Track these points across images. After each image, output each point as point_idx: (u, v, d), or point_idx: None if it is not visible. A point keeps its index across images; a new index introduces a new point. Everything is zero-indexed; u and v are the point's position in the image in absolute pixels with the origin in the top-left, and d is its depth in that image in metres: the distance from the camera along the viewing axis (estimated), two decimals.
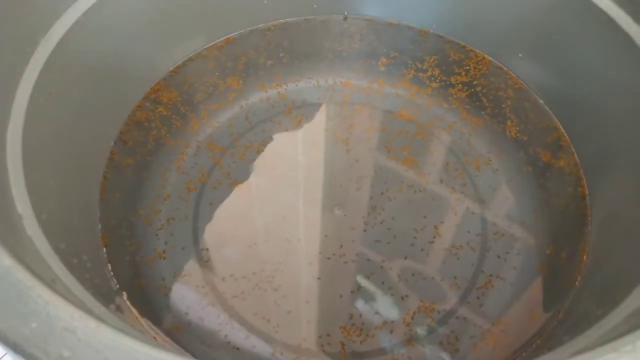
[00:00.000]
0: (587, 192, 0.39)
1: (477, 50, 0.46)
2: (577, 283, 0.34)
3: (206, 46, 0.45)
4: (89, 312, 0.18)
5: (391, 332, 0.34)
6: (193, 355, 0.32)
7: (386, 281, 0.36)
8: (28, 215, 0.25)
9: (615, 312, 0.24)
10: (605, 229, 0.34)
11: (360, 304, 0.35)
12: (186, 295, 0.35)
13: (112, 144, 0.39)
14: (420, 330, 0.34)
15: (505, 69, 0.45)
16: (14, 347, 0.17)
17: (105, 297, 0.30)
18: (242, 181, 0.40)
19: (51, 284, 0.19)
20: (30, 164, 0.28)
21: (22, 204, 0.25)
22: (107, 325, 0.17)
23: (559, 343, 0.26)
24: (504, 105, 0.44)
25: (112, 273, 0.34)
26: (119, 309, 0.31)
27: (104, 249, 0.34)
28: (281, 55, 0.46)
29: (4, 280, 0.18)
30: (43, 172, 0.29)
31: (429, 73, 0.45)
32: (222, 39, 0.46)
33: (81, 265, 0.28)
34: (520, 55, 0.44)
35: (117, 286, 0.33)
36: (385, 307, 0.35)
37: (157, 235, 0.37)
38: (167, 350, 0.17)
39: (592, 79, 0.38)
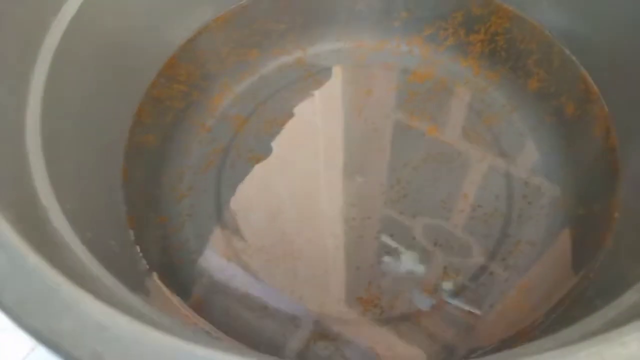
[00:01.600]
0: (617, 144, 0.37)
1: (498, 1, 0.44)
2: (607, 242, 0.34)
3: (217, 16, 0.44)
4: (120, 304, 0.19)
5: (418, 288, 0.34)
6: (222, 326, 0.33)
7: (411, 240, 0.36)
8: (53, 206, 0.25)
9: None
10: (638, 186, 0.33)
11: (385, 263, 0.35)
12: (214, 267, 0.36)
13: (130, 123, 0.39)
14: (447, 286, 0.34)
15: (529, 19, 0.43)
16: (50, 344, 0.17)
17: (135, 280, 0.31)
18: (263, 152, 0.40)
19: (80, 279, 0.19)
20: (51, 152, 0.28)
21: (46, 195, 0.26)
22: (139, 321, 0.17)
23: (589, 307, 0.25)
24: (527, 58, 0.42)
25: (141, 254, 0.34)
26: (149, 290, 0.31)
27: (131, 231, 0.35)
28: (295, 19, 0.45)
29: (34, 279, 0.18)
30: (64, 160, 0.29)
31: (450, 30, 0.44)
32: (232, 6, 0.45)
33: (109, 251, 0.29)
34: (545, 3, 0.42)
35: (147, 267, 0.34)
36: (411, 265, 0.35)
37: (182, 210, 0.38)
38: (196, 343, 0.17)
39: (621, 25, 0.36)
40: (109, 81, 0.36)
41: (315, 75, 0.43)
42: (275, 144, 0.41)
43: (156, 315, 0.22)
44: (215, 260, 0.36)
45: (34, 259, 0.18)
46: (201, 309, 0.34)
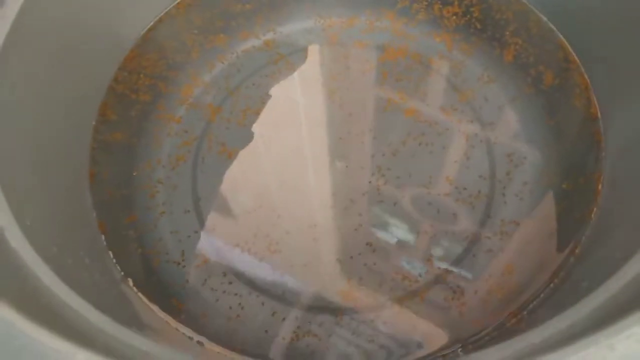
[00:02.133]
0: (599, 115, 0.37)
1: None
2: (592, 215, 0.33)
3: (177, 1, 0.42)
4: (88, 329, 0.17)
5: (409, 257, 0.34)
6: (203, 329, 0.32)
7: (400, 211, 0.36)
8: (9, 224, 0.24)
9: (637, 257, 0.23)
10: (623, 158, 0.33)
11: (376, 237, 0.35)
12: (192, 264, 0.35)
13: (93, 122, 0.37)
14: (437, 252, 0.35)
15: None
16: None
17: (109, 290, 0.29)
18: (238, 141, 0.39)
19: (43, 309, 0.18)
20: (3, 165, 0.26)
21: (0, 213, 0.24)
22: (98, 355, 0.16)
23: (577, 290, 0.25)
24: (504, 29, 0.41)
25: (114, 260, 0.33)
26: (123, 300, 0.30)
27: (102, 237, 0.33)
28: (260, 1, 0.43)
29: None
30: (20, 172, 0.27)
31: (423, 3, 0.42)
32: None
33: (78, 264, 0.27)
34: None
35: (122, 273, 0.33)
36: (401, 236, 0.35)
37: (156, 208, 0.36)
38: None
39: None
40: (65, 81, 0.34)
41: (286, 58, 0.42)
42: (250, 131, 0.39)
43: (130, 337, 0.21)
44: (193, 257, 0.35)
45: None
46: (180, 311, 0.33)
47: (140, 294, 0.32)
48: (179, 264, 0.35)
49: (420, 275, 0.34)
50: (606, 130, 0.35)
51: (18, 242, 0.23)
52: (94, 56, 0.37)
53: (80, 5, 0.35)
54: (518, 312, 0.31)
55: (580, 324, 0.20)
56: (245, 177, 0.38)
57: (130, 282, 0.32)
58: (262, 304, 0.33)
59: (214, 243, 0.35)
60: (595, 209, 0.33)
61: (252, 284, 0.34)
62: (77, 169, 0.34)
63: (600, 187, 0.34)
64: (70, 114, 0.34)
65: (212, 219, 0.36)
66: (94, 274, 0.28)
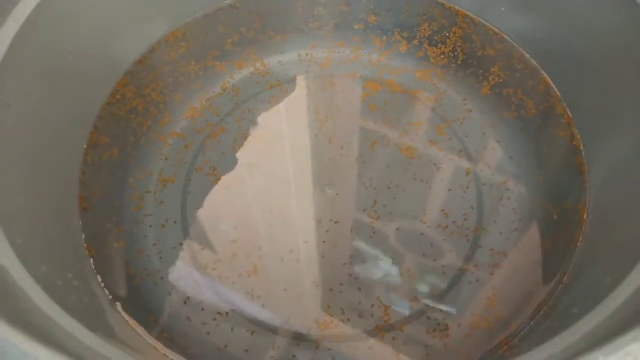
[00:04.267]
0: (582, 147, 0.38)
1: (456, 7, 0.44)
2: (578, 244, 0.34)
3: (173, 29, 0.43)
4: (80, 347, 0.17)
5: (394, 293, 0.34)
6: (190, 352, 0.32)
7: (384, 246, 0.36)
8: (1, 244, 0.23)
9: (627, 282, 0.23)
10: (606, 189, 0.34)
11: (359, 269, 0.35)
12: (179, 287, 0.34)
13: (84, 146, 0.37)
14: (423, 289, 0.34)
15: (490, 26, 0.43)
16: None
17: (97, 315, 0.29)
18: (228, 165, 0.39)
19: (31, 325, 0.18)
20: None
21: None
22: None
23: (569, 317, 0.25)
24: (490, 63, 0.42)
25: (102, 284, 0.32)
26: (112, 326, 0.29)
27: (91, 260, 0.33)
28: (253, 31, 0.44)
29: None
30: (11, 192, 0.27)
31: (413, 39, 0.43)
32: (188, 20, 0.43)
33: (67, 286, 0.27)
34: (503, 9, 0.42)
35: (110, 297, 0.32)
36: (386, 270, 0.35)
37: (145, 231, 0.36)
38: None
39: (581, 30, 0.37)
40: (58, 106, 0.34)
41: (277, 86, 0.42)
42: (240, 156, 0.39)
43: (120, 357, 0.20)
44: (180, 279, 0.34)
45: None
46: (167, 336, 0.32)
47: (128, 318, 0.31)
48: (159, 285, 0.34)
49: (403, 310, 0.34)
50: (589, 161, 0.36)
51: (9, 260, 0.23)
52: (89, 80, 0.37)
53: (76, 30, 0.35)
54: (509, 341, 0.31)
55: (575, 347, 0.20)
56: (229, 203, 0.38)
57: (119, 306, 0.32)
58: (246, 330, 0.33)
59: (195, 274, 0.35)
60: (581, 238, 0.34)
61: (234, 312, 0.34)
62: (67, 190, 0.34)
63: (585, 216, 0.35)
64: (63, 135, 0.34)
65: (200, 241, 0.36)
66: (83, 296, 0.28)
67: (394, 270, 0.35)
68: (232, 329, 0.33)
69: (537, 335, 0.29)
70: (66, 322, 0.22)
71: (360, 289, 0.34)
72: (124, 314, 0.31)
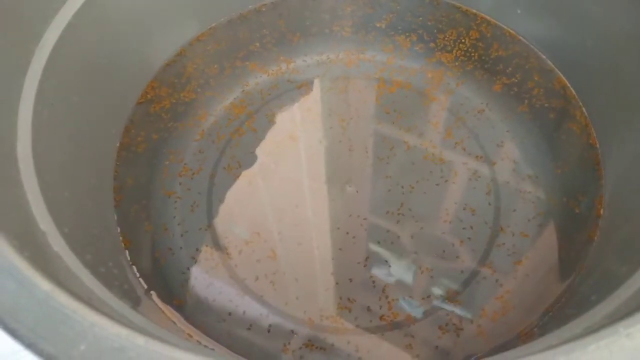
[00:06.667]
0: (597, 144, 0.39)
1: (473, 10, 0.45)
2: (595, 238, 0.35)
3: (201, 32, 0.44)
4: (131, 325, 0.19)
5: (409, 295, 0.34)
6: (216, 339, 0.33)
7: (400, 248, 0.36)
8: (51, 231, 0.25)
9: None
10: (622, 183, 0.35)
11: (376, 272, 0.35)
12: (207, 282, 0.35)
13: (117, 143, 0.39)
14: (437, 292, 0.35)
15: (507, 28, 0.44)
16: None
17: (136, 301, 0.30)
18: (251, 165, 0.40)
19: (89, 301, 0.19)
20: (45, 179, 0.28)
21: (43, 220, 0.25)
22: (154, 340, 0.17)
23: (586, 304, 0.26)
24: (506, 64, 0.43)
25: (137, 274, 0.34)
26: (150, 310, 0.31)
27: (127, 252, 0.35)
28: (276, 35, 0.46)
29: (47, 305, 0.18)
30: (58, 184, 0.29)
31: (425, 37, 0.45)
32: (215, 23, 0.45)
33: (109, 273, 0.28)
34: (519, 11, 0.43)
35: (145, 286, 0.34)
36: (401, 272, 0.35)
37: (174, 228, 0.38)
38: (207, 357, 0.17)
39: (596, 31, 0.38)
40: (95, 105, 0.35)
41: (299, 88, 0.44)
42: (264, 153, 0.41)
43: (164, 334, 0.22)
44: (205, 276, 0.36)
45: (46, 286, 0.18)
46: (195, 324, 0.34)
47: (162, 305, 0.33)
48: (191, 280, 0.36)
49: (417, 313, 0.34)
50: (605, 159, 0.37)
51: (60, 246, 0.24)
52: (122, 81, 0.39)
53: (112, 33, 0.37)
54: (528, 330, 0.32)
55: (595, 326, 0.22)
56: (254, 199, 0.39)
57: (154, 295, 0.33)
58: (265, 328, 0.34)
59: (224, 262, 0.36)
60: (597, 231, 0.35)
61: (248, 314, 0.35)
62: (102, 184, 0.36)
63: (601, 211, 0.36)
64: (99, 133, 0.36)
65: (223, 239, 0.37)
66: (122, 283, 0.29)
67: (409, 274, 0.35)
68: (244, 312, 0.34)
69: (556, 322, 0.30)
70: (114, 302, 0.23)
71: (375, 293, 0.35)
72: (158, 301, 0.33)
